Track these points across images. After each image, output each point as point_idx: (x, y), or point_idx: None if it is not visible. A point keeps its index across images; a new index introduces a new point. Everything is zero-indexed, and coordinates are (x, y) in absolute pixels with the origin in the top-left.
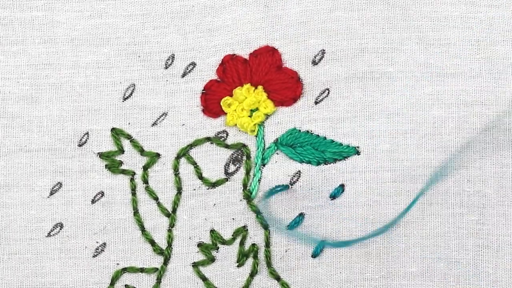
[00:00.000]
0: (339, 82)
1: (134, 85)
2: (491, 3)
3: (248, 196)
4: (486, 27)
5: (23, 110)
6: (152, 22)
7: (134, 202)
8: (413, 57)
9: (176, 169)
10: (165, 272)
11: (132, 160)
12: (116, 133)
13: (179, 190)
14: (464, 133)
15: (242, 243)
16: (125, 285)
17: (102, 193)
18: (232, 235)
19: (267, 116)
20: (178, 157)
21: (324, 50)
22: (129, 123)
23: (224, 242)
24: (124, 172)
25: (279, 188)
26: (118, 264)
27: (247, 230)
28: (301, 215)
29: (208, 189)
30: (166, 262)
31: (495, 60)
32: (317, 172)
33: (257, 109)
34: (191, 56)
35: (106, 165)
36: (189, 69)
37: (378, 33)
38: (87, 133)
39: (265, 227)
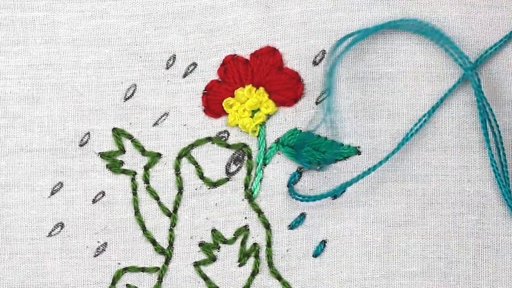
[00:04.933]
0: (340, 82)
1: (136, 85)
2: (491, 4)
3: (249, 196)
4: (486, 27)
5: (24, 110)
6: (153, 23)
7: (135, 202)
8: (413, 57)
9: (177, 169)
10: (167, 271)
11: (133, 160)
12: (117, 133)
13: (180, 190)
14: (464, 133)
15: (243, 243)
16: (127, 285)
17: (103, 193)
18: (234, 235)
19: (269, 116)
20: (179, 157)
21: (324, 51)
22: (130, 123)
23: (225, 242)
24: (125, 172)
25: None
26: (119, 263)
27: (248, 229)
28: (302, 215)
29: (209, 188)
30: (167, 261)
31: (495, 60)
32: (317, 172)
33: (258, 109)
34: (192, 56)
35: (107, 165)
36: (190, 69)
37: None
38: (88, 133)
39: (267, 226)
